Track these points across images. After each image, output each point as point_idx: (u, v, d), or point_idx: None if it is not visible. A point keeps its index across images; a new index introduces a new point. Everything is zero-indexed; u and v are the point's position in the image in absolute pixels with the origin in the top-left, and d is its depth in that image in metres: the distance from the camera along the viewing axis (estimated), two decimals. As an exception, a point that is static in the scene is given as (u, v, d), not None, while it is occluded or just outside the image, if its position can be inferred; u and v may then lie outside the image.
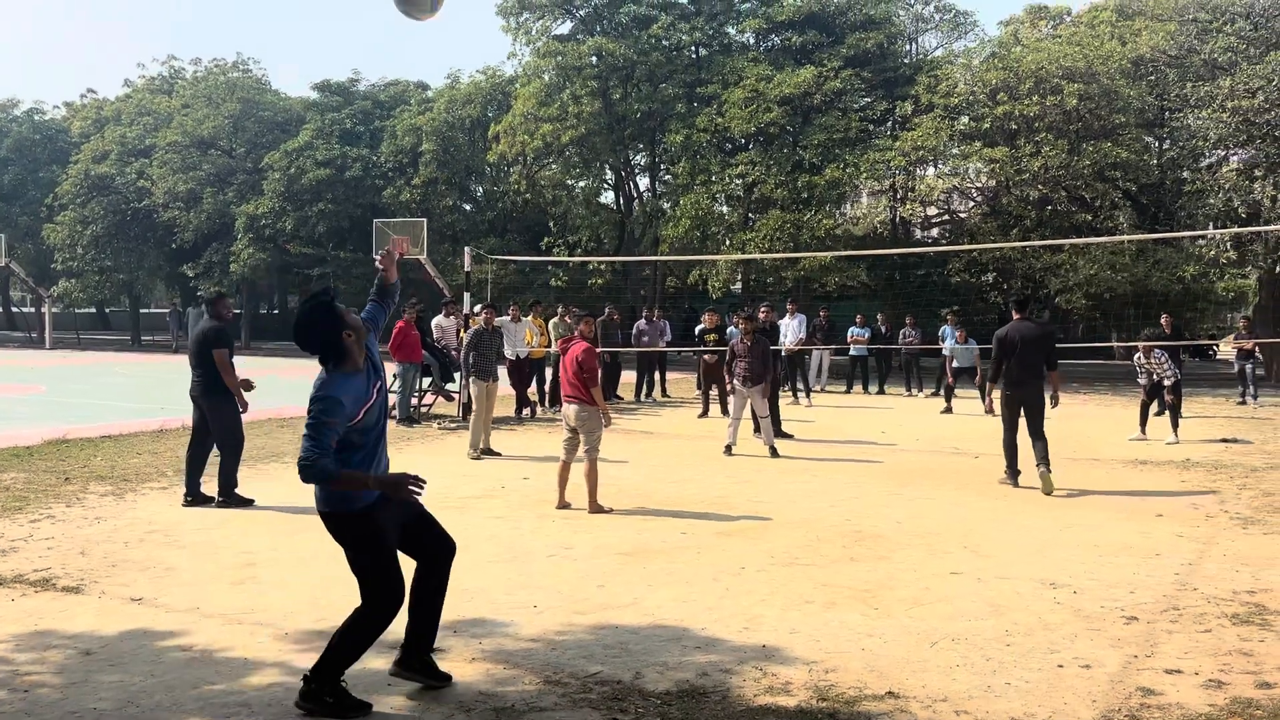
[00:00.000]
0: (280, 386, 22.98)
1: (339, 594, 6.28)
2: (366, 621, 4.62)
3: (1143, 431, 13.96)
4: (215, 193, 38.40)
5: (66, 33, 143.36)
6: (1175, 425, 13.71)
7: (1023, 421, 10.30)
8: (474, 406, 12.52)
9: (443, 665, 5.07)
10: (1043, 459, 10.03)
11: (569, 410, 9.09)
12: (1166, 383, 13.82)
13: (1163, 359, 13.91)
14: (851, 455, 12.52)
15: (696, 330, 18.50)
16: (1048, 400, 10.33)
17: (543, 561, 7.16)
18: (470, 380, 12.83)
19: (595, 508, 8.83)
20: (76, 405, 18.10)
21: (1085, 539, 7.85)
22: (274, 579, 6.68)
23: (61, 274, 42.09)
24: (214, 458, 9.38)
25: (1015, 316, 10.51)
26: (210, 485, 9.25)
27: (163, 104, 43.23)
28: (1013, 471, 10.39)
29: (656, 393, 20.43)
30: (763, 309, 16.95)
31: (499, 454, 12.26)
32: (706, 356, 17.20)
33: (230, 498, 9.10)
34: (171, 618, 5.83)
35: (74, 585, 6.46)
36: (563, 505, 9.03)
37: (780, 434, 13.88)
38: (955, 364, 18.49)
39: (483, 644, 5.40)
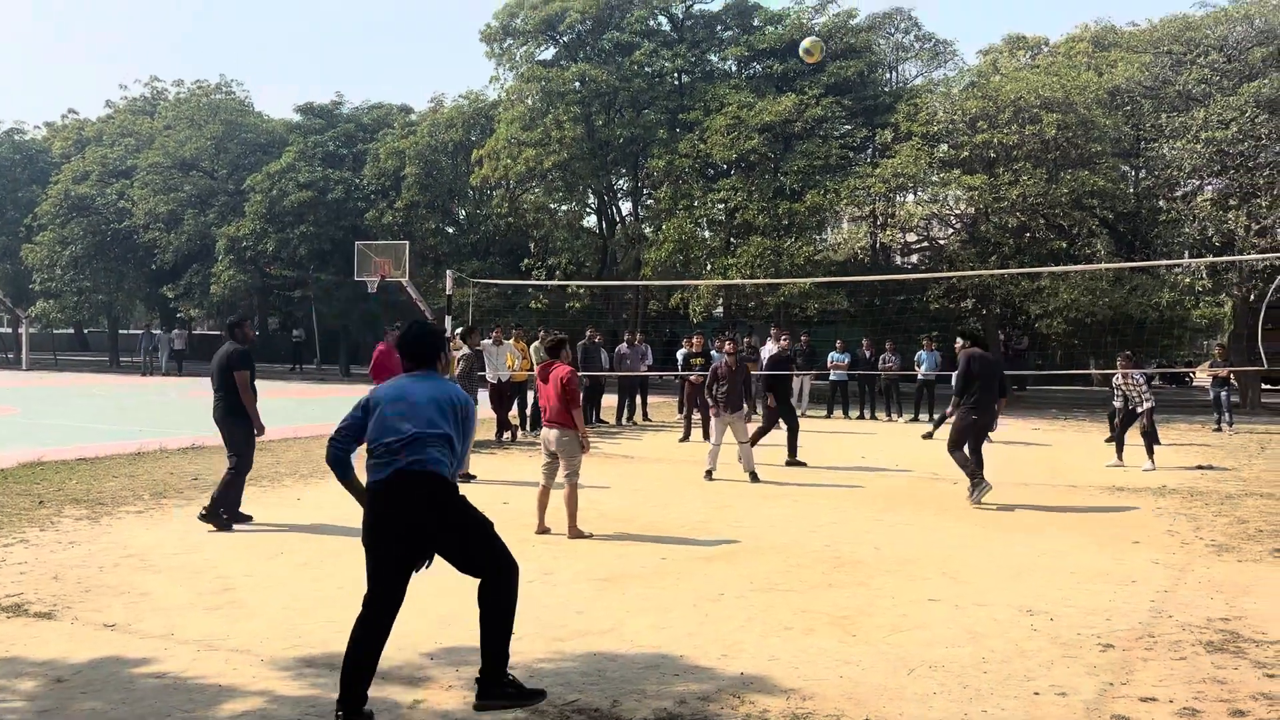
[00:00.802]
0: (259, 409, 22.88)
1: (316, 619, 6.25)
2: (509, 600, 4.95)
3: (1120, 458, 14.03)
4: (196, 214, 38.30)
5: (48, 53, 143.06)
6: (1150, 452, 13.77)
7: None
8: None
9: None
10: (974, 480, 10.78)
11: (549, 435, 9.06)
12: (1141, 408, 13.89)
13: (1140, 382, 13.99)
14: (831, 480, 12.54)
15: (680, 355, 18.55)
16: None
17: (522, 587, 7.06)
18: None
19: (575, 533, 8.82)
20: (52, 427, 17.95)
21: (1062, 565, 7.88)
22: (251, 604, 6.63)
23: (39, 294, 41.80)
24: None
25: (969, 346, 11.19)
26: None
27: (145, 125, 43.15)
28: (983, 486, 10.72)
29: (638, 416, 20.46)
30: (784, 337, 17.09)
31: (474, 477, 12.21)
32: (693, 378, 17.26)
33: (235, 515, 9.23)
34: (145, 644, 5.77)
35: (46, 611, 6.40)
36: (542, 530, 9.00)
37: (794, 462, 13.81)
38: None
39: (460, 671, 5.37)
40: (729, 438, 12.68)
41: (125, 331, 51.65)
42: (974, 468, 10.76)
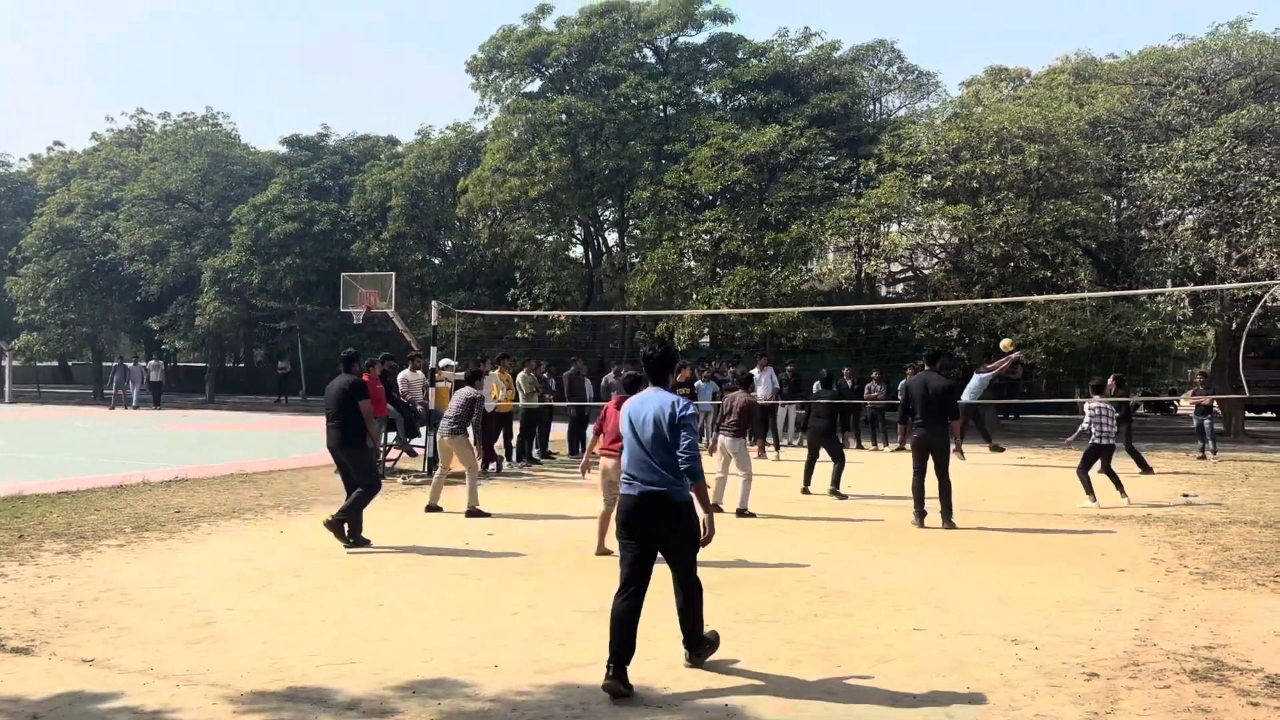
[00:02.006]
0: (244, 441, 22.76)
1: (299, 653, 6.19)
2: (694, 604, 5.99)
3: (1123, 494, 13.17)
4: (182, 246, 38.27)
5: (34, 85, 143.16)
6: (1087, 488, 12.92)
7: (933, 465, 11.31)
8: (473, 461, 12.29)
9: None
10: (946, 509, 11.12)
11: (609, 463, 9.33)
12: (1096, 439, 13.11)
13: (1108, 414, 13.28)
14: (818, 511, 12.52)
15: (666, 385, 18.55)
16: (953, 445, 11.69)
17: (505, 619, 7.09)
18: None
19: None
20: (34, 460, 17.81)
21: (1047, 594, 7.88)
22: (232, 638, 6.56)
23: (23, 327, 41.60)
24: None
25: (926, 368, 11.70)
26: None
27: (130, 157, 43.19)
28: (919, 513, 11.28)
29: (624, 447, 20.37)
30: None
31: (441, 509, 12.07)
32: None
33: (360, 538, 9.74)
34: (123, 679, 5.70)
35: (24, 646, 6.32)
36: (603, 552, 9.28)
37: (839, 493, 13.80)
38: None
39: (441, 704, 5.32)
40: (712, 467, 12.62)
41: (109, 364, 51.51)
42: (915, 500, 11.37)
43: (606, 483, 9.47)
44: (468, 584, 8.22)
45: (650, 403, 5.95)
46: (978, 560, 9.35)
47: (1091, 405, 13.42)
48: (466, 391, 12.63)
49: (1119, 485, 13.20)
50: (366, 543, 9.78)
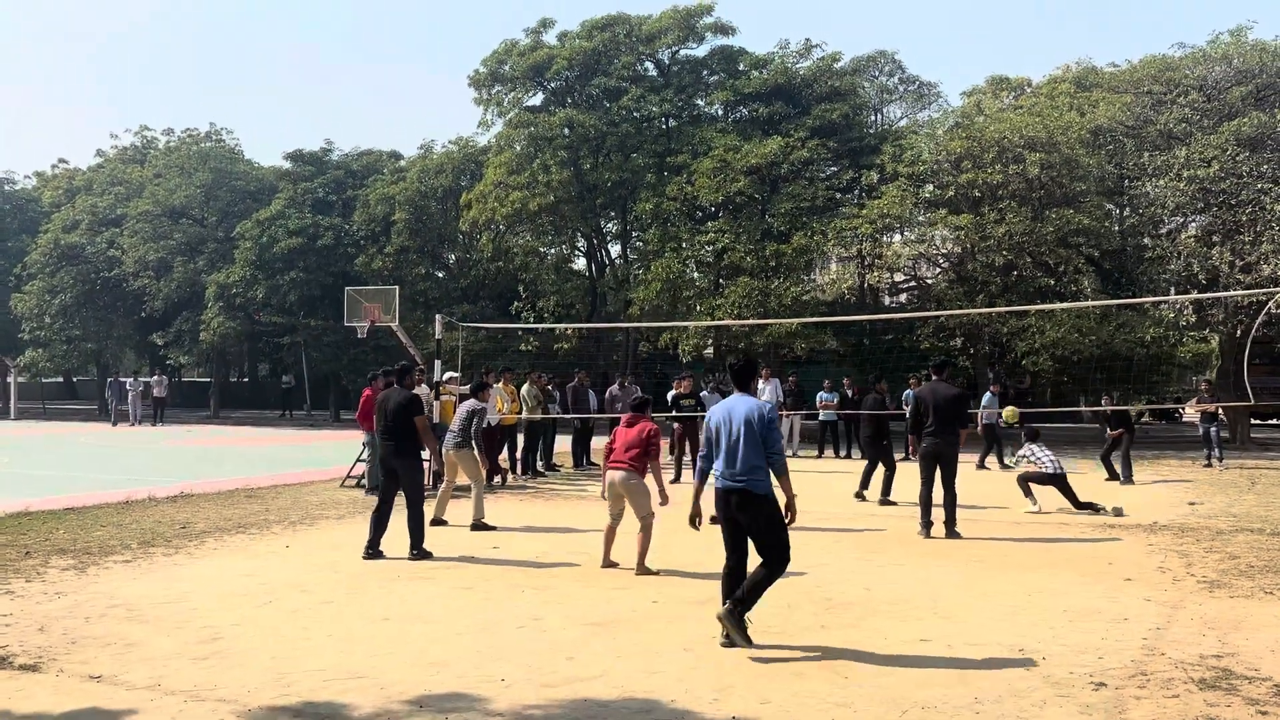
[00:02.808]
0: (248, 456, 22.78)
1: (306, 668, 6.19)
2: (771, 576, 6.74)
3: (1098, 509, 13.02)
4: (186, 261, 38.37)
5: (38, 102, 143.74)
6: (1027, 492, 13.25)
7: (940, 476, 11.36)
8: (478, 474, 12.30)
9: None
10: (950, 519, 11.18)
11: (615, 476, 9.35)
12: (1053, 470, 13.11)
13: (1039, 452, 13.34)
14: (823, 521, 12.50)
15: (669, 396, 18.56)
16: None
17: (511, 633, 7.09)
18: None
19: (642, 570, 9.11)
20: (40, 477, 17.83)
21: (1054, 604, 7.86)
22: (239, 653, 6.56)
23: (28, 344, 41.69)
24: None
25: (934, 378, 11.70)
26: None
27: (135, 173, 43.35)
28: (925, 523, 11.27)
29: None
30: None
31: (446, 522, 12.05)
32: (676, 426, 17.20)
33: (422, 550, 9.92)
34: (131, 695, 5.71)
35: (31, 663, 6.32)
36: (608, 565, 9.37)
37: (888, 501, 14.16)
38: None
39: (449, 718, 5.32)
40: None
41: (114, 379, 51.60)
42: (922, 510, 11.34)
43: (613, 495, 9.48)
44: (473, 597, 8.22)
45: (739, 407, 6.89)
46: (983, 570, 9.33)
47: (1023, 451, 13.65)
48: (469, 404, 12.67)
49: (1093, 506, 13.04)
50: (381, 554, 9.85)
